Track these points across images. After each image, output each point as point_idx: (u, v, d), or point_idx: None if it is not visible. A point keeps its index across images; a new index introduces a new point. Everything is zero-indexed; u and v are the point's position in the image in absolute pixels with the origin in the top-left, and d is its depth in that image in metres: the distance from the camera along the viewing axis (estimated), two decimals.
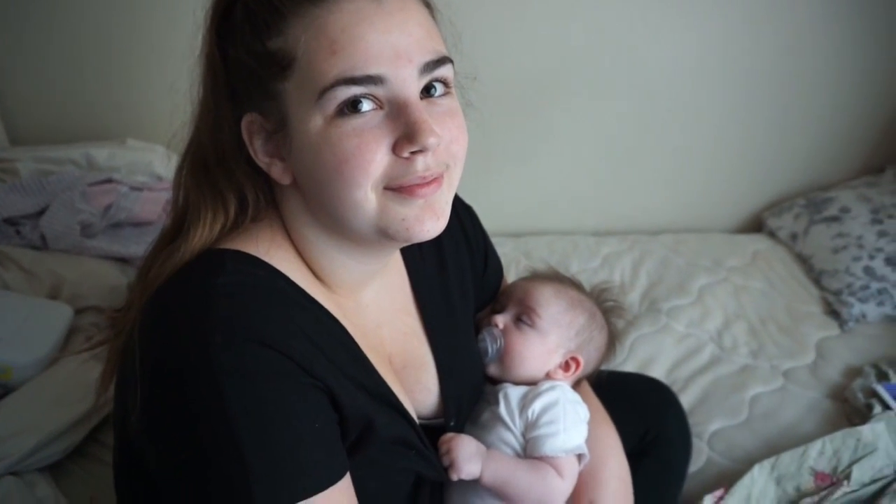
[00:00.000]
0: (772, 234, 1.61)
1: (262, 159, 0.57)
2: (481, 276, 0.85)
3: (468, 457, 0.70)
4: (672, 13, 1.47)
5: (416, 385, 0.72)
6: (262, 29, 0.53)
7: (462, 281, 0.80)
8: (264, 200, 0.61)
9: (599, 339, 0.86)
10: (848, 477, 0.93)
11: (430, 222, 0.57)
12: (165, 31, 1.44)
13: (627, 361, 1.23)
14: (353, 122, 0.52)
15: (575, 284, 0.88)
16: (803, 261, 1.49)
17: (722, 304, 1.38)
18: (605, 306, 0.88)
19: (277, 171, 0.57)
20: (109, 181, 1.31)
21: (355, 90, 0.51)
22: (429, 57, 0.54)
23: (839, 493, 0.91)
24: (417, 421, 0.68)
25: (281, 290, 0.57)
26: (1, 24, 1.47)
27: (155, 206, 1.29)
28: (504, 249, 1.38)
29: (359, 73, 0.51)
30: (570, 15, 1.47)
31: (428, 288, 0.75)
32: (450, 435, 0.71)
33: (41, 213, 1.24)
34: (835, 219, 1.48)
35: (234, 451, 0.49)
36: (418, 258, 0.75)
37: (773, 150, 1.64)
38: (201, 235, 0.57)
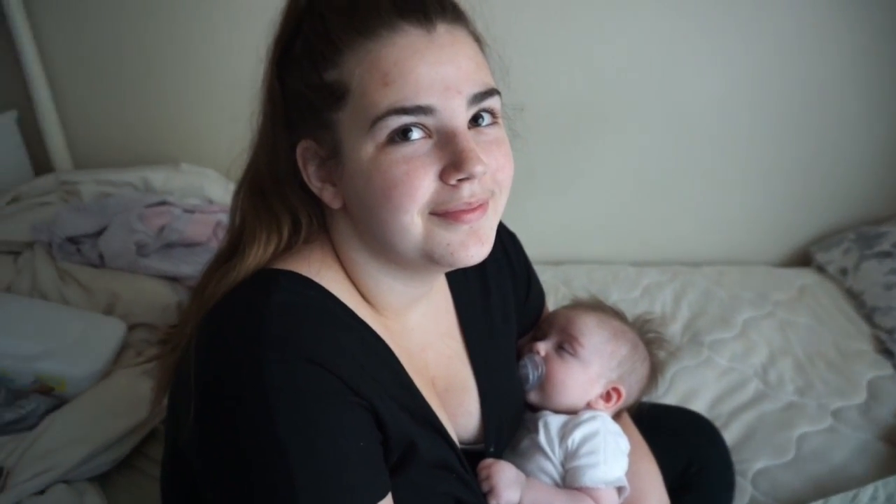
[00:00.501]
0: (820, 269, 1.57)
1: (315, 184, 0.60)
2: (524, 303, 0.86)
3: (508, 483, 0.70)
4: (713, 42, 1.47)
5: (459, 409, 0.72)
6: (319, 62, 0.56)
7: (505, 306, 0.81)
8: (316, 224, 0.63)
9: (641, 370, 0.85)
10: None
11: (475, 248, 0.58)
12: (220, 62, 1.52)
13: (668, 394, 1.21)
14: (403, 150, 0.54)
15: (618, 314, 0.88)
16: (854, 297, 1.45)
17: (767, 339, 1.34)
18: (647, 337, 0.88)
19: (329, 196, 0.60)
20: (164, 203, 1.37)
21: (406, 119, 0.54)
22: (477, 89, 0.56)
23: None
24: (459, 445, 0.69)
25: (331, 311, 0.59)
26: (68, 52, 1.57)
27: (205, 227, 1.33)
28: (543, 277, 1.38)
29: (409, 103, 0.53)
30: (609, 46, 1.48)
31: (471, 312, 0.76)
32: (490, 461, 0.72)
33: (100, 232, 1.31)
34: (888, 254, 1.43)
35: (281, 466, 0.50)
36: (463, 282, 0.77)
37: (820, 181, 1.61)
38: (256, 255, 0.60)
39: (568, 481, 0.74)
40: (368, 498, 0.53)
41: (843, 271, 1.50)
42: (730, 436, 1.12)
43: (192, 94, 1.59)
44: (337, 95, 0.55)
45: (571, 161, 1.62)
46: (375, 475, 0.55)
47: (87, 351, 1.12)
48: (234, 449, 0.52)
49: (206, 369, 0.55)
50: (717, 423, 1.13)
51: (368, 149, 0.55)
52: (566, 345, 0.82)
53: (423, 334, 0.70)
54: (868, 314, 1.38)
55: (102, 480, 1.01)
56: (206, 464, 0.55)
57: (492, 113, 0.59)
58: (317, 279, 0.60)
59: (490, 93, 0.57)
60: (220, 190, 1.45)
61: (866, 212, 1.63)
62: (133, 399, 1.05)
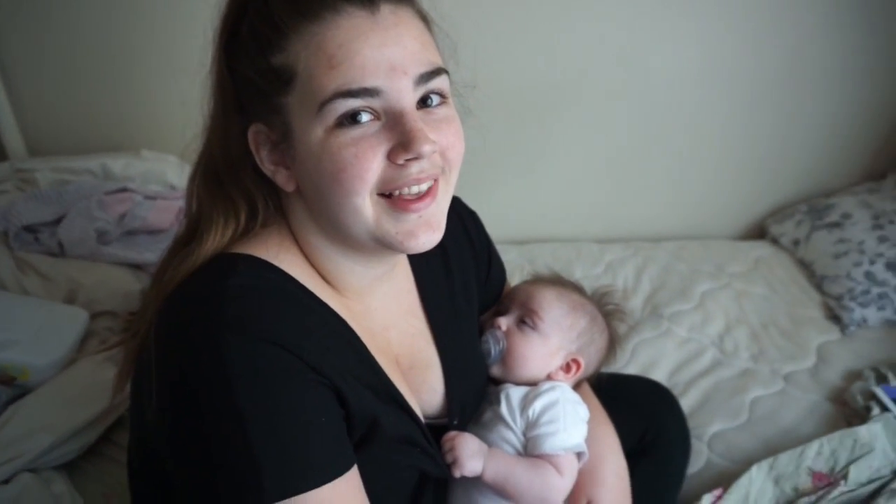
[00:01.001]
0: (774, 241, 1.63)
1: (267, 167, 0.60)
2: (485, 280, 0.87)
3: (470, 454, 0.72)
4: (672, 22, 1.50)
5: (423, 385, 0.74)
6: (265, 46, 0.56)
7: (466, 284, 0.82)
8: (273, 207, 0.63)
9: (600, 341, 0.88)
10: (845, 477, 0.95)
11: (425, 236, 0.59)
12: (179, 47, 1.49)
13: (629, 365, 1.25)
14: (352, 133, 0.55)
15: (577, 288, 0.90)
16: (805, 266, 1.51)
17: (724, 310, 1.39)
18: (606, 310, 0.91)
19: (282, 179, 0.60)
20: (124, 190, 1.35)
21: (353, 102, 0.54)
22: (423, 69, 0.56)
23: (836, 492, 0.93)
24: (423, 420, 0.71)
25: (290, 293, 0.59)
26: (21, 38, 1.52)
27: (168, 214, 1.32)
28: (508, 257, 1.41)
29: (356, 86, 0.53)
30: (571, 25, 1.50)
31: (433, 291, 0.78)
32: (453, 433, 0.74)
33: (59, 220, 1.28)
34: (836, 225, 1.49)
35: (243, 445, 0.52)
36: (424, 262, 0.78)
37: (776, 157, 1.66)
38: (213, 240, 0.60)
39: (529, 449, 0.77)
40: (331, 472, 0.55)
41: (796, 242, 1.55)
42: (687, 402, 1.16)
43: (151, 80, 1.56)
44: (284, 79, 0.55)
45: (534, 142, 1.64)
46: (338, 450, 0.57)
47: (49, 340, 1.11)
48: (197, 430, 0.53)
49: (166, 354, 0.55)
50: (676, 391, 1.18)
51: (318, 132, 0.55)
52: (526, 319, 0.84)
53: (385, 314, 0.71)
54: (818, 283, 1.44)
55: (70, 468, 1.01)
56: (171, 446, 0.56)
57: (440, 94, 0.59)
58: (275, 262, 0.60)
59: (437, 72, 0.57)
60: (183, 176, 1.43)
61: (819, 185, 1.69)
62: (98, 387, 1.04)
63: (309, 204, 0.61)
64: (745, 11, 1.49)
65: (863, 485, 0.94)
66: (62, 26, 1.50)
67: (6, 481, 0.94)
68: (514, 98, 1.58)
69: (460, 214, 0.84)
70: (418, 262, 0.77)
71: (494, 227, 1.74)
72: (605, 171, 1.68)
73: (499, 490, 0.75)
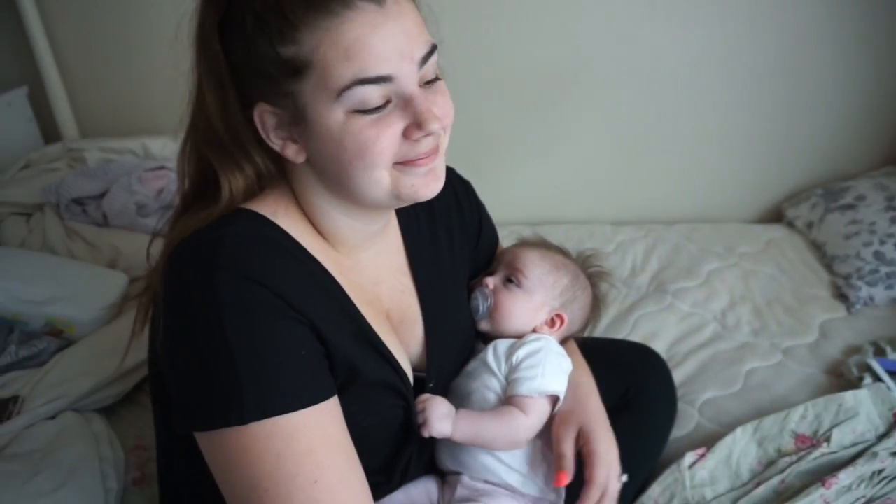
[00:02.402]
0: (790, 224, 1.63)
1: (275, 142, 0.65)
2: (475, 245, 0.93)
3: (440, 416, 0.76)
4: (685, 2, 1.51)
5: (412, 339, 0.80)
6: (274, 37, 0.59)
7: (453, 248, 0.88)
8: (275, 171, 0.69)
9: (583, 298, 0.93)
10: (828, 439, 0.97)
11: (434, 184, 0.67)
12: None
13: (630, 336, 1.29)
14: (370, 116, 0.61)
15: (561, 250, 0.95)
16: (817, 248, 1.51)
17: (729, 287, 1.41)
18: (589, 271, 0.96)
19: (292, 152, 0.65)
20: (162, 168, 1.47)
21: (369, 89, 0.60)
22: (424, 49, 0.62)
23: (817, 453, 0.95)
24: (412, 371, 0.77)
25: (283, 245, 0.66)
26: (72, 33, 1.67)
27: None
28: (525, 235, 1.46)
29: (371, 73, 0.59)
30: (583, 8, 1.53)
31: (420, 252, 0.83)
32: (426, 395, 0.77)
33: (103, 194, 1.41)
34: (850, 206, 1.49)
35: (229, 369, 0.58)
36: (414, 226, 0.84)
37: (793, 140, 1.66)
38: (229, 199, 0.66)
39: (507, 392, 0.82)
40: (308, 397, 0.61)
41: (810, 225, 1.56)
42: (684, 371, 1.20)
43: (189, 70, 1.68)
44: (297, 69, 0.59)
45: (549, 125, 1.69)
46: (316, 379, 0.63)
47: (93, 298, 1.23)
48: (191, 353, 0.61)
49: (168, 289, 0.63)
50: (674, 362, 1.22)
51: (338, 116, 0.60)
52: (512, 277, 0.89)
53: (375, 270, 0.77)
54: (828, 263, 1.45)
55: (108, 412, 1.13)
56: (170, 372, 0.64)
57: (434, 67, 0.65)
58: (273, 218, 0.67)
59: (433, 50, 0.63)
60: None
61: (838, 169, 1.68)
62: (135, 341, 1.16)
63: (320, 173, 0.67)
64: None
65: (845, 447, 0.96)
66: (111, 16, 1.63)
67: (52, 418, 1.06)
68: (527, 83, 1.63)
69: (452, 183, 0.89)
70: (408, 226, 0.83)
71: (510, 209, 1.81)
72: (619, 154, 1.71)
73: (471, 444, 0.80)
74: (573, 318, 0.92)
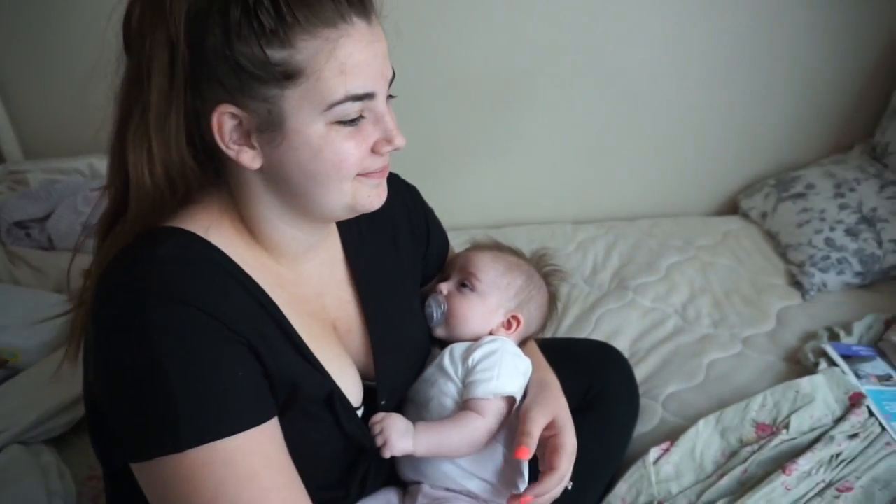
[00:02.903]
0: (745, 215, 1.66)
1: (231, 146, 0.62)
2: (425, 251, 0.92)
3: (400, 434, 0.74)
4: (641, 2, 1.53)
5: (360, 349, 0.79)
6: (265, 37, 0.56)
7: (399, 254, 0.86)
8: (207, 181, 0.66)
9: (539, 298, 0.92)
10: (787, 426, 0.98)
11: (384, 194, 0.70)
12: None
13: (593, 334, 1.29)
14: (349, 128, 0.62)
15: (514, 251, 0.95)
16: (771, 237, 1.53)
17: (688, 281, 1.43)
18: (544, 270, 0.95)
19: (247, 158, 0.62)
20: None
21: (358, 105, 0.61)
22: (391, 71, 0.65)
23: (777, 440, 0.96)
24: (362, 380, 0.75)
25: (214, 263, 0.63)
26: (14, 48, 1.62)
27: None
28: (478, 239, 1.45)
29: (361, 91, 0.60)
30: (537, 8, 1.54)
31: (362, 261, 0.82)
32: (381, 415, 0.75)
33: (48, 217, 1.36)
34: (800, 195, 1.52)
35: (163, 397, 0.56)
36: (356, 236, 0.82)
37: (746, 134, 1.69)
38: (145, 214, 0.63)
39: (463, 395, 0.81)
40: (246, 421, 0.59)
41: (763, 215, 1.58)
42: (647, 367, 1.20)
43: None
44: (286, 75, 0.58)
45: (506, 127, 1.69)
46: (256, 401, 0.61)
47: (38, 325, 1.18)
48: (124, 383, 0.58)
49: (97, 315, 0.60)
50: (636, 358, 1.22)
51: (318, 126, 0.60)
52: (465, 281, 0.89)
53: (318, 281, 0.76)
54: (783, 252, 1.47)
55: (58, 442, 1.08)
56: (103, 401, 0.61)
57: None
58: (204, 235, 0.64)
59: (393, 73, 0.66)
60: None
61: (789, 160, 1.72)
62: (71, 368, 1.11)
63: (276, 181, 0.64)
64: None
65: (804, 433, 0.97)
66: (53, 33, 1.58)
67: None
68: (483, 85, 1.63)
69: (398, 189, 0.88)
70: (347, 235, 0.81)
71: (470, 213, 1.80)
72: (578, 154, 1.73)
73: (433, 456, 0.79)
74: (530, 319, 0.91)
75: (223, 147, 0.62)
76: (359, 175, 0.65)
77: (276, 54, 0.57)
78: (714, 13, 1.55)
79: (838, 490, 0.90)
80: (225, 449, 0.57)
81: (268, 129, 0.60)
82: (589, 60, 1.60)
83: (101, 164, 1.51)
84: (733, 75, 1.61)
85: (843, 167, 1.55)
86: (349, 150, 0.62)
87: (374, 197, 0.68)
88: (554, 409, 0.80)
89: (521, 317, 0.90)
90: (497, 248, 0.94)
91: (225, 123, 0.60)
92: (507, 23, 1.57)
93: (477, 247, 0.95)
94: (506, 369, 0.82)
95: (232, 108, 0.60)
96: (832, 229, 1.40)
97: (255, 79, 0.58)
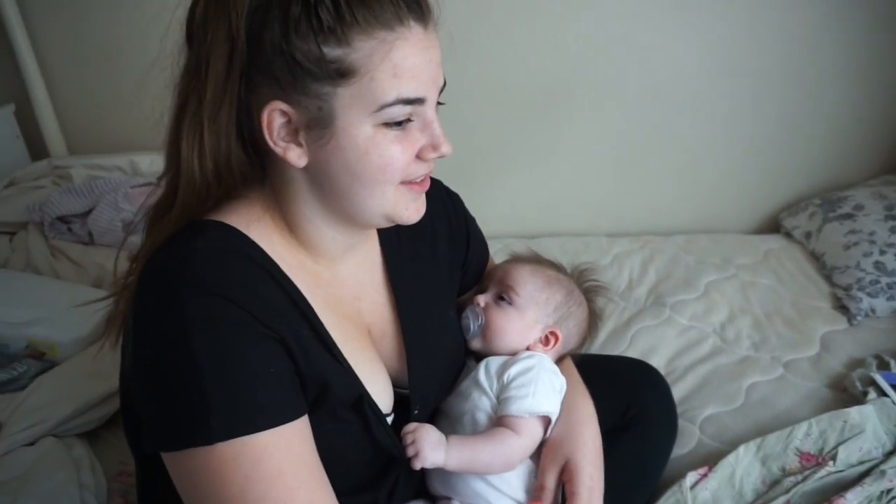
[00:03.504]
0: (787, 235, 1.61)
1: (279, 143, 0.62)
2: (464, 260, 0.90)
3: (433, 446, 0.73)
4: (680, 12, 1.50)
5: (394, 355, 0.78)
6: (324, 34, 0.57)
7: (437, 262, 0.85)
8: (253, 177, 0.66)
9: (579, 314, 0.90)
10: (834, 457, 0.94)
11: (423, 209, 0.69)
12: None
13: (628, 351, 1.26)
14: (397, 132, 0.62)
15: (554, 265, 0.93)
16: (816, 258, 1.49)
17: (728, 300, 1.39)
18: (585, 286, 0.93)
19: (294, 156, 0.62)
20: (150, 184, 1.44)
21: (408, 109, 0.61)
22: (442, 78, 0.64)
23: (823, 472, 0.92)
24: (393, 388, 0.74)
25: (251, 258, 0.63)
26: (60, 49, 1.65)
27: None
28: (518, 249, 1.43)
29: (413, 95, 0.60)
30: (578, 18, 1.52)
31: (400, 266, 0.81)
32: (413, 425, 0.74)
33: (89, 212, 1.39)
34: (848, 216, 1.47)
35: (196, 388, 0.56)
36: (395, 240, 0.81)
37: (789, 150, 1.65)
38: (192, 205, 0.63)
39: (498, 412, 0.79)
40: (279, 417, 0.59)
41: (808, 235, 1.54)
42: (684, 387, 1.17)
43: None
44: (340, 72, 0.58)
45: (544, 138, 1.67)
46: (286, 398, 0.61)
47: (76, 320, 1.20)
48: (157, 371, 0.58)
49: (136, 306, 0.61)
50: (673, 377, 1.19)
51: (367, 127, 0.60)
52: (503, 294, 0.87)
53: (355, 284, 0.75)
54: (828, 274, 1.42)
55: (91, 436, 1.09)
56: (136, 389, 0.62)
57: None
58: (245, 230, 0.64)
59: (445, 82, 0.65)
60: None
61: (834, 179, 1.66)
62: (119, 363, 1.13)
63: (321, 181, 0.64)
64: (756, 1, 1.48)
65: (851, 466, 0.93)
66: (99, 31, 1.62)
67: (31, 444, 1.03)
68: (522, 94, 1.61)
69: (440, 196, 0.88)
70: (388, 241, 0.81)
71: (505, 222, 1.78)
72: (615, 166, 1.70)
73: (464, 472, 0.77)
74: (568, 335, 0.89)
75: (271, 143, 0.62)
76: (402, 184, 0.64)
77: (332, 52, 0.57)
78: (759, 25, 1.51)
79: None
80: (254, 445, 0.57)
81: (316, 126, 0.61)
82: (628, 72, 1.58)
83: (142, 161, 1.54)
84: (778, 88, 1.57)
85: (893, 189, 1.50)
86: (395, 153, 0.62)
87: (412, 211, 0.67)
88: (568, 451, 0.79)
89: (559, 333, 0.87)
90: (537, 261, 0.92)
91: (275, 120, 0.61)
92: (546, 32, 1.55)
93: (516, 259, 0.93)
94: (542, 387, 0.80)
95: (283, 105, 0.60)
96: (882, 253, 1.35)
97: (309, 75, 0.58)
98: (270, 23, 0.57)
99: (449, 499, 0.81)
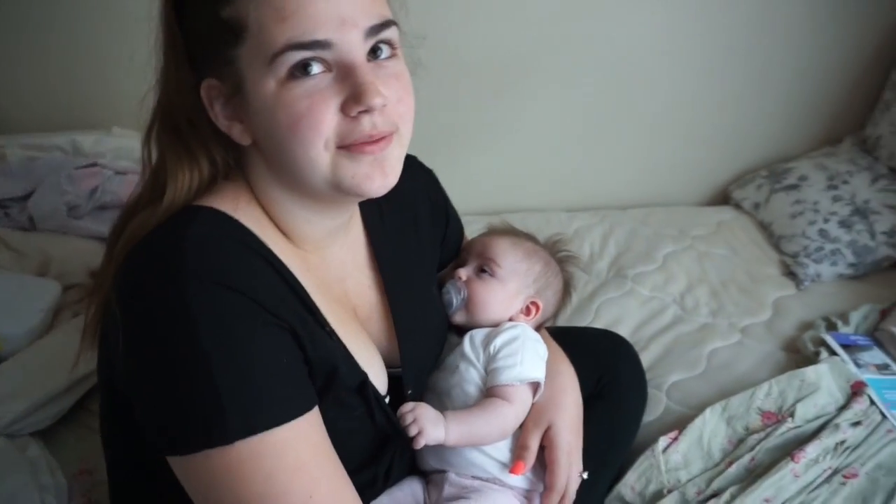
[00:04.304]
0: (737, 206, 1.67)
1: (222, 122, 0.60)
2: (443, 237, 0.90)
3: (433, 422, 0.73)
4: None
5: (382, 335, 0.77)
6: None
7: (419, 239, 0.84)
8: (232, 161, 0.65)
9: (556, 284, 0.92)
10: (792, 414, 0.99)
11: (380, 179, 0.60)
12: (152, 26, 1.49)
13: (594, 323, 1.29)
14: (304, 85, 0.56)
15: (530, 237, 0.94)
16: (764, 228, 1.55)
17: (685, 270, 1.43)
18: (559, 256, 0.94)
19: (238, 133, 0.61)
20: (95, 165, 1.36)
21: (304, 54, 0.55)
22: (374, 21, 0.57)
23: (783, 428, 0.97)
24: (386, 368, 0.73)
25: (246, 244, 0.61)
26: None
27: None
28: (477, 227, 1.43)
29: (306, 38, 0.54)
30: None
31: (386, 245, 0.79)
32: (410, 405, 0.74)
33: (28, 195, 1.29)
34: (794, 187, 1.54)
35: (208, 383, 0.53)
36: (378, 218, 0.80)
37: (737, 125, 1.71)
38: (178, 194, 0.61)
39: (487, 383, 0.80)
40: (294, 410, 0.57)
41: (756, 206, 1.60)
42: (649, 356, 1.20)
43: (122, 58, 1.56)
44: (235, 32, 0.56)
45: (503, 115, 1.67)
46: (300, 389, 0.59)
47: (22, 311, 1.13)
48: (164, 370, 0.55)
49: (132, 305, 0.57)
50: (638, 346, 1.21)
51: (270, 84, 0.56)
52: (485, 267, 0.87)
53: (340, 266, 0.73)
54: (776, 243, 1.49)
55: (46, 435, 1.03)
56: (139, 392, 0.58)
57: (390, 44, 0.60)
58: (234, 215, 0.62)
59: (387, 24, 0.58)
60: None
61: (779, 152, 1.74)
62: (72, 355, 1.06)
63: (266, 156, 0.62)
64: None
65: (809, 421, 0.99)
66: (35, 8, 1.50)
67: None
68: (482, 71, 1.60)
69: (415, 171, 0.86)
70: (372, 217, 0.79)
71: (465, 199, 1.76)
72: (573, 143, 1.72)
73: (464, 445, 0.78)
74: (547, 305, 0.91)
75: (216, 122, 0.60)
76: (342, 148, 0.58)
77: (224, 13, 0.56)
78: (710, 5, 1.55)
79: (844, 477, 0.92)
80: (274, 440, 0.55)
81: (237, 94, 0.58)
82: (585, 50, 1.59)
83: (85, 141, 1.44)
84: (726, 67, 1.62)
85: (834, 160, 1.58)
86: (302, 110, 0.55)
87: (361, 178, 0.59)
88: (550, 417, 0.81)
89: (540, 302, 0.89)
90: (514, 233, 0.93)
91: (214, 99, 0.59)
92: (506, 9, 1.54)
93: (494, 232, 0.94)
94: (529, 355, 0.82)
95: (213, 81, 0.59)
96: (826, 221, 1.42)
97: (216, 44, 0.57)
98: (183, 5, 0.58)
99: (443, 471, 0.82)
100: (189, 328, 0.54)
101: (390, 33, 0.60)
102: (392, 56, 0.61)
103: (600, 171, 1.76)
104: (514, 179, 1.76)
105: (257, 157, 0.63)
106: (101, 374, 0.72)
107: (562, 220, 1.66)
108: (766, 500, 0.89)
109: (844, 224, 1.40)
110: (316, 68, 0.56)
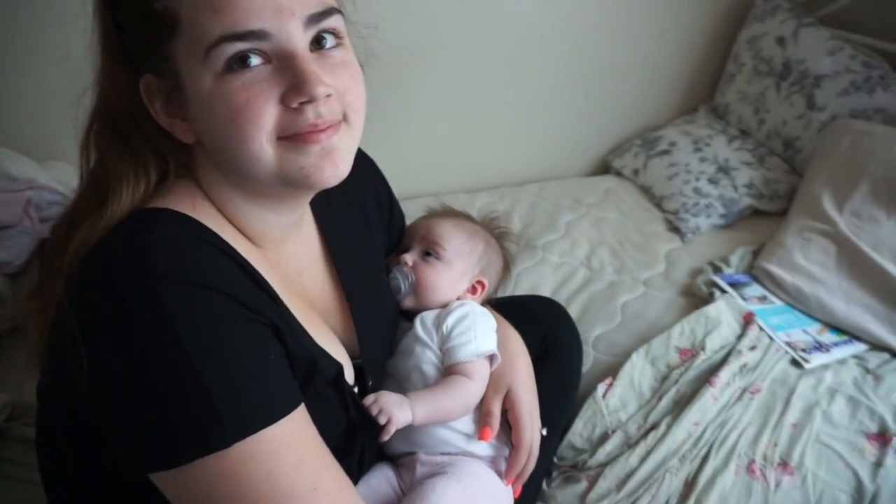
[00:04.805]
0: (618, 174, 1.84)
1: (164, 120, 0.58)
2: (388, 224, 0.91)
3: (399, 408, 0.74)
4: None
5: (339, 327, 0.77)
6: None
7: (368, 228, 0.85)
8: (182, 161, 0.62)
9: (497, 261, 0.96)
10: (703, 347, 1.13)
11: (330, 169, 0.58)
12: (45, 37, 1.30)
13: (516, 291, 1.36)
14: (242, 77, 0.54)
15: (468, 217, 0.98)
16: (646, 191, 1.72)
17: (586, 235, 1.56)
18: (496, 233, 0.99)
19: (180, 131, 0.58)
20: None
21: (240, 46, 0.53)
22: (313, 9, 0.55)
23: (698, 361, 1.11)
24: (350, 360, 0.74)
25: (211, 244, 0.58)
26: None
27: (15, 207, 1.20)
28: (431, 206, 1.45)
29: (241, 28, 0.52)
30: None
31: (338, 238, 0.79)
32: (373, 395, 0.74)
33: None
34: (666, 152, 1.72)
35: (199, 390, 0.51)
36: (327, 210, 0.79)
37: (610, 98, 1.87)
38: (127, 196, 0.57)
39: (445, 361, 0.83)
40: (288, 405, 0.56)
41: (636, 172, 1.77)
42: (571, 315, 1.30)
43: None
44: (168, 26, 0.54)
45: (396, 102, 1.67)
46: (289, 384, 0.58)
47: None
48: (146, 380, 0.52)
49: (98, 314, 0.53)
50: None
51: (207, 79, 0.54)
52: (430, 250, 0.90)
53: (296, 261, 0.73)
54: (658, 203, 1.66)
55: None
56: (116, 409, 0.54)
57: (335, 34, 0.58)
58: (192, 214, 0.59)
59: (329, 12, 0.56)
60: (24, 166, 1.29)
61: (647, 122, 1.93)
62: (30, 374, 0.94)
63: (211, 154, 0.60)
64: None
65: (716, 351, 1.14)
66: None
67: None
68: (371, 63, 1.60)
69: (362, 162, 0.86)
70: (322, 211, 0.78)
71: None
72: (465, 126, 1.78)
73: (431, 423, 0.79)
74: (491, 282, 0.95)
75: (158, 120, 0.58)
76: (284, 139, 0.56)
77: (157, 4, 0.54)
78: None
79: (751, 393, 1.07)
80: (270, 438, 0.54)
81: (175, 91, 0.57)
82: (468, 33, 1.65)
83: None
84: (596, 46, 1.77)
85: (694, 126, 1.79)
86: (240, 103, 0.53)
87: (310, 169, 0.57)
88: (508, 381, 0.84)
89: (485, 281, 0.93)
90: (453, 214, 0.96)
91: (154, 96, 0.57)
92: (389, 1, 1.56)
93: (435, 214, 0.96)
94: (481, 329, 0.85)
95: (151, 78, 0.57)
96: (697, 179, 1.61)
97: (151, 38, 0.55)
98: (119, 1, 0.56)
99: (412, 453, 0.83)
100: (171, 332, 0.51)
101: (334, 21, 0.58)
102: (338, 45, 0.59)
103: (493, 150, 1.84)
104: (411, 166, 1.78)
105: (204, 155, 0.61)
106: (42, 392, 0.65)
107: (464, 202, 1.71)
108: (696, 423, 1.01)
109: (712, 181, 1.60)
110: (254, 60, 0.54)
